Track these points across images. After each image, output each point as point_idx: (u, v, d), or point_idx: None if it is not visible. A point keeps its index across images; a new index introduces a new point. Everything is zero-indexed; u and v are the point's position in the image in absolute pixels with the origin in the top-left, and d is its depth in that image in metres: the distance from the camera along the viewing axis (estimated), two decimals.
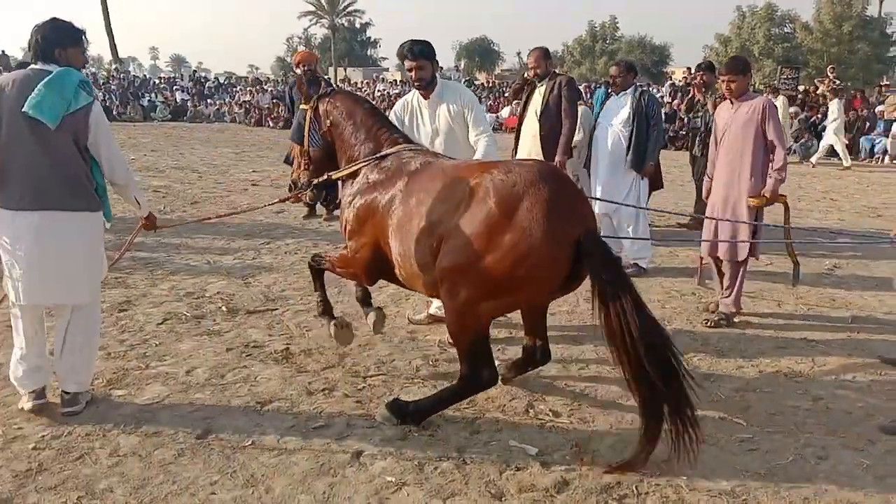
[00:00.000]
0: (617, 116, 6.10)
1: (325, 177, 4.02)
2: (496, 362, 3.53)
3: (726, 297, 4.85)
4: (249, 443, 3.17)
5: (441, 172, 3.36)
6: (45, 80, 3.15)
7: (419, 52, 4.25)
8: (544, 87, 6.06)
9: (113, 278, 5.56)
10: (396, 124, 4.39)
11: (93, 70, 44.31)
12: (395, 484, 2.86)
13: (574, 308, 4.98)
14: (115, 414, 3.41)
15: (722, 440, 3.25)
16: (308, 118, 4.08)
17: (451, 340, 3.81)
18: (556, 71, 6.32)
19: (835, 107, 15.31)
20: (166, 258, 6.34)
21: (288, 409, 3.51)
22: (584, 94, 16.89)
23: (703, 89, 7.99)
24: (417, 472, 2.95)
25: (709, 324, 4.79)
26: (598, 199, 5.79)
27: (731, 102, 4.78)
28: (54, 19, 3.35)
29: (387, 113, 4.37)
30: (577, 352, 4.29)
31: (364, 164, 3.73)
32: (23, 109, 3.11)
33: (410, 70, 4.32)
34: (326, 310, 4.08)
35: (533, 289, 3.05)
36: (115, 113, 25.79)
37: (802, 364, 4.17)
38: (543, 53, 6.09)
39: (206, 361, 4.06)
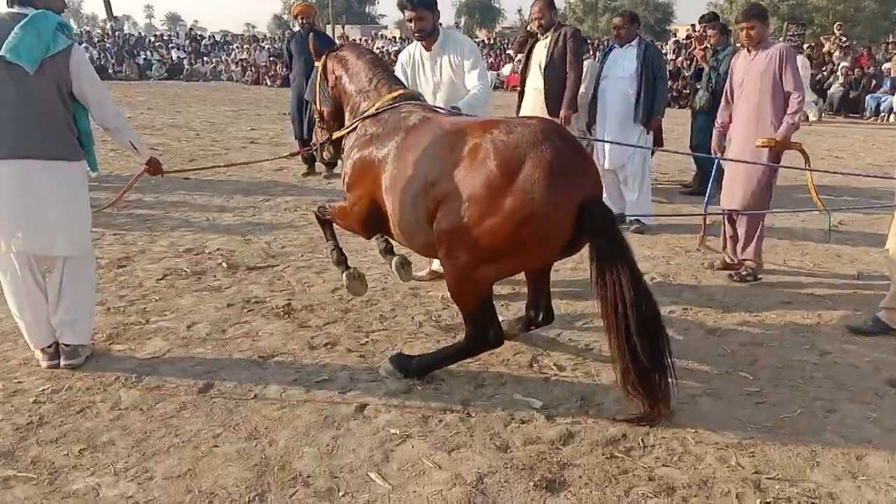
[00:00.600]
0: (623, 69, 5.94)
1: (329, 136, 3.98)
2: (500, 318, 3.50)
3: (746, 249, 4.78)
4: (252, 396, 3.14)
5: (440, 129, 3.21)
6: (22, 22, 3.03)
7: (419, 2, 4.12)
8: (548, 39, 5.90)
9: (111, 234, 5.51)
10: (401, 74, 4.28)
11: (87, 28, 43.59)
12: (399, 436, 2.84)
13: (578, 265, 4.92)
14: (115, 368, 3.38)
15: (729, 393, 3.22)
16: (318, 76, 3.99)
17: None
18: (561, 22, 6.16)
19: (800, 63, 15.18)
20: (164, 215, 6.27)
21: (290, 363, 3.48)
22: (589, 49, 16.61)
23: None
24: (422, 425, 2.92)
25: (735, 278, 4.76)
26: (610, 143, 5.74)
27: (749, 51, 4.65)
28: None
29: None
30: (580, 307, 4.25)
31: (361, 119, 3.64)
32: (0, 53, 3.00)
33: (410, 20, 4.20)
34: (339, 259, 3.95)
35: (535, 252, 2.96)
36: (110, 71, 25.44)
37: (809, 319, 4.14)
38: (548, 3, 5.92)
39: (206, 316, 4.02)
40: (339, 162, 4.02)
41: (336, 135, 3.92)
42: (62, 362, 3.37)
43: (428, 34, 4.22)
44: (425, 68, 4.36)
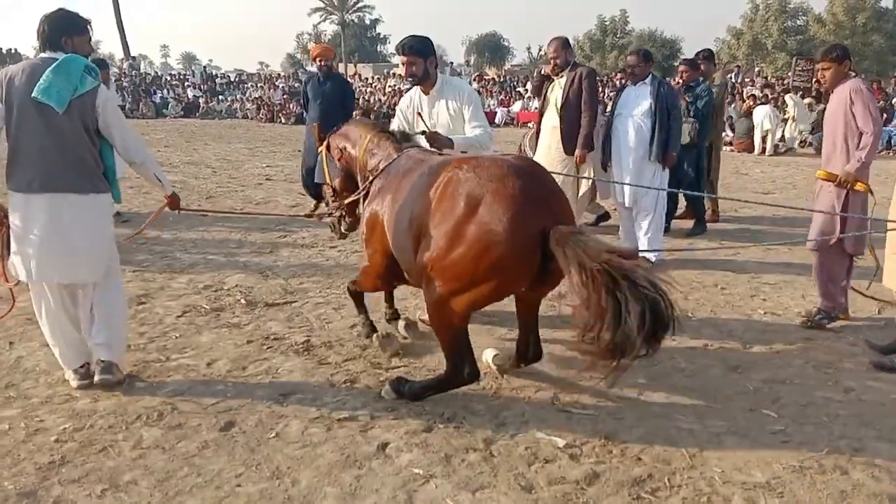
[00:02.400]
0: (637, 107, 5.97)
1: (337, 204, 4.34)
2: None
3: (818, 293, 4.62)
4: (273, 435, 3.14)
5: (425, 170, 3.39)
6: (52, 66, 3.26)
7: (409, 49, 4.32)
8: (564, 78, 5.98)
9: (130, 271, 5.55)
10: (402, 119, 4.54)
11: None
12: (422, 476, 2.82)
13: None
14: (136, 406, 3.39)
15: (754, 432, 3.18)
16: (324, 156, 4.41)
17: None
18: (576, 62, 6.22)
19: (791, 102, 16.54)
20: (183, 252, 6.32)
21: (311, 400, 3.47)
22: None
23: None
24: (445, 465, 2.90)
25: (808, 324, 4.54)
26: (628, 184, 5.78)
27: (830, 91, 4.63)
28: (60, 9, 3.46)
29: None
30: None
31: (370, 181, 3.88)
32: (32, 95, 3.21)
33: (404, 65, 4.39)
34: (369, 332, 4.18)
35: (502, 281, 3.02)
36: (127, 110, 25.91)
37: (830, 355, 4.09)
38: (563, 43, 6.01)
39: (226, 353, 4.04)
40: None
41: (349, 200, 4.21)
42: (97, 377, 3.50)
43: (420, 79, 4.37)
44: (424, 112, 4.48)
